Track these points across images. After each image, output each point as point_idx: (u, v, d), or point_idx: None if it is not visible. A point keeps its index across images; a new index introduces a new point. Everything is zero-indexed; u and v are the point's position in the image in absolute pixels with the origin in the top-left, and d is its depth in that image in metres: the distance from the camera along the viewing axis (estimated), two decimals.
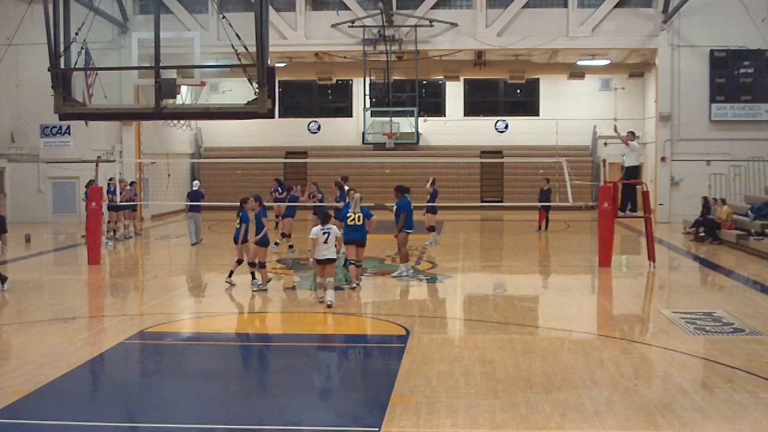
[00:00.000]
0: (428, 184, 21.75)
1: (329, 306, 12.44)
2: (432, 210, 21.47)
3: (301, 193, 20.18)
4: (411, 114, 32.06)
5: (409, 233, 15.75)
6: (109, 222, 22.11)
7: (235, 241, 14.63)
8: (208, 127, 35.13)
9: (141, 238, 24.07)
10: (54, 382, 8.60)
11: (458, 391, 8.24)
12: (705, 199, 24.09)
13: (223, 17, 12.81)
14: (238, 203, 14.71)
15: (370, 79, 31.66)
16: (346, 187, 18.38)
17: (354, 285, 14.32)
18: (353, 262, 14.37)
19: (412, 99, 32.22)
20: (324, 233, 12.54)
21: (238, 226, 14.45)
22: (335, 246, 12.78)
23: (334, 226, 12.87)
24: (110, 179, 22.92)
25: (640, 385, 8.75)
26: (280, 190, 21.61)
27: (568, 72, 32.89)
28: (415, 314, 12.44)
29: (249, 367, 10.12)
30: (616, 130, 18.94)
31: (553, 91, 34.61)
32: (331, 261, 12.68)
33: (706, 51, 28.06)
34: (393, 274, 15.78)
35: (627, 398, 8.06)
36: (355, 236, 14.20)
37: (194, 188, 22.16)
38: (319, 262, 12.64)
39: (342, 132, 35.08)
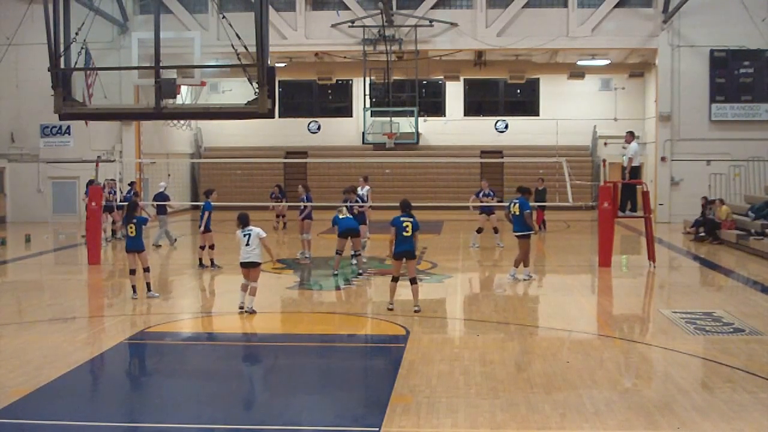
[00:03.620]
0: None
1: (252, 312, 12.10)
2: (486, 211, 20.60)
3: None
4: (411, 114, 32.06)
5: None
6: (114, 223, 22.11)
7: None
8: (208, 127, 35.14)
9: None
10: (54, 382, 8.60)
11: (458, 391, 8.24)
12: (705, 199, 24.12)
13: (223, 17, 12.80)
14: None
15: (370, 79, 31.66)
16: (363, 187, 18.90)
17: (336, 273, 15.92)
18: (339, 252, 16.10)
19: (412, 99, 32.21)
20: (244, 235, 12.16)
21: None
22: (261, 248, 12.28)
23: (256, 228, 12.29)
24: (109, 180, 22.94)
25: (640, 385, 8.75)
26: (280, 195, 23.90)
27: (568, 72, 32.88)
28: (414, 314, 12.43)
29: (249, 367, 10.12)
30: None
31: (553, 91, 34.60)
32: (255, 264, 12.24)
33: (706, 51, 28.08)
34: (522, 277, 15.31)
35: (627, 398, 8.06)
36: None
37: (160, 189, 21.98)
38: (242, 265, 12.26)
39: (342, 132, 35.08)
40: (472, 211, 21.42)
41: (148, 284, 13.64)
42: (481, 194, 20.76)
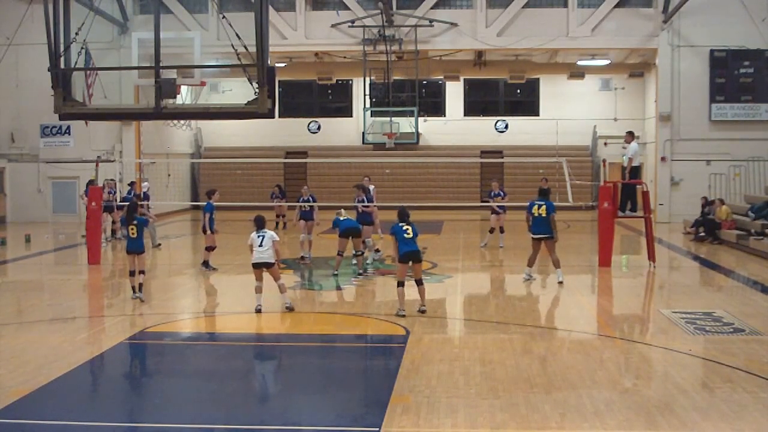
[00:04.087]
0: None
1: (291, 309, 12.45)
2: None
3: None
4: (411, 114, 32.04)
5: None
6: (114, 223, 22.07)
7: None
8: (208, 127, 35.13)
9: None
10: (54, 382, 8.61)
11: (458, 391, 8.24)
12: (705, 199, 24.13)
13: (223, 17, 12.80)
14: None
15: (370, 79, 31.66)
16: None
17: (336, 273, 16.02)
18: (340, 252, 16.15)
19: (412, 99, 32.19)
20: (258, 237, 12.28)
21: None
22: (274, 250, 12.38)
23: (270, 231, 12.46)
24: (109, 180, 22.92)
25: (640, 385, 8.75)
26: (280, 195, 24.60)
27: (568, 72, 32.90)
28: (415, 314, 12.42)
29: (249, 367, 10.12)
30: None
31: (553, 91, 34.60)
32: (269, 265, 12.36)
33: (706, 51, 28.07)
34: (524, 277, 15.40)
35: (627, 398, 8.06)
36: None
37: (143, 189, 21.96)
38: (255, 266, 12.40)
39: (342, 132, 35.08)
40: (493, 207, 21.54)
41: (140, 285, 13.55)
42: (492, 194, 20.94)
